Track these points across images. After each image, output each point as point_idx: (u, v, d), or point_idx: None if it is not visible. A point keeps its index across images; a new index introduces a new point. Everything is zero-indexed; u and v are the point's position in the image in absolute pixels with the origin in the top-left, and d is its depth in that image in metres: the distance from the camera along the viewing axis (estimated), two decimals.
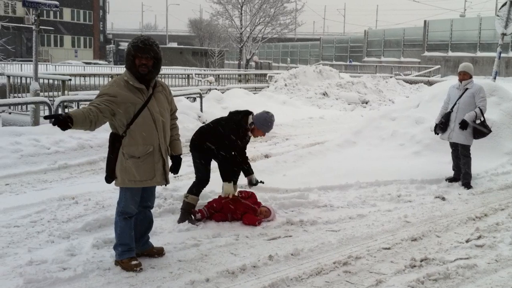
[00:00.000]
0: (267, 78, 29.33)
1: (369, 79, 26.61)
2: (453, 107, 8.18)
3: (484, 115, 8.05)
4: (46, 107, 12.21)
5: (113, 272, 4.64)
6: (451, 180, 8.25)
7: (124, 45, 63.08)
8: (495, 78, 13.91)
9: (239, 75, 31.16)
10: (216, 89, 20.13)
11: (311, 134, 13.67)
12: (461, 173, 8.12)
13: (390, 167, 8.82)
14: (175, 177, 7.35)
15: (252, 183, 6.74)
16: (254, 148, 11.34)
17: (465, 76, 8.15)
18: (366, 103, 21.41)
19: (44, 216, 6.08)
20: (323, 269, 4.87)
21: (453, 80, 8.52)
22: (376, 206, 6.98)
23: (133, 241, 4.83)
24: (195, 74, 26.87)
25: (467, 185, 8.00)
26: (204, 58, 52.42)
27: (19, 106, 14.27)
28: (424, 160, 9.27)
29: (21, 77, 15.71)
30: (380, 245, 5.55)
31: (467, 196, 7.59)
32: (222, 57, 52.54)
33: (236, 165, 6.48)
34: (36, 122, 12.45)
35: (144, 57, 4.51)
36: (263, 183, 6.88)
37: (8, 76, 16.21)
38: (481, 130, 8.00)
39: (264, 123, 6.19)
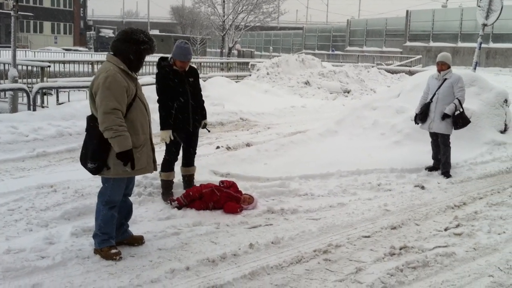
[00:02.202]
0: (249, 66, 29.22)
1: (351, 68, 26.66)
2: (432, 97, 8.22)
3: (463, 105, 8.12)
4: (25, 94, 12.04)
5: (92, 261, 4.60)
6: (430, 169, 8.32)
7: (105, 32, 62.14)
8: (475, 68, 14.02)
9: (221, 63, 30.99)
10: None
11: (293, 123, 13.67)
12: (441, 163, 8.19)
13: (370, 156, 8.86)
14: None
15: (200, 126, 6.74)
16: (235, 136, 11.33)
17: (443, 67, 8.19)
18: (348, 92, 21.47)
19: (22, 204, 5.99)
20: (303, 257, 4.89)
21: (434, 70, 8.56)
22: (357, 194, 7.02)
23: (114, 230, 4.79)
24: None
25: (446, 174, 8.08)
26: (192, 54, 51.95)
27: None
28: (404, 149, 9.33)
29: None
30: (360, 233, 5.58)
31: (446, 185, 7.66)
32: (204, 45, 52.24)
33: (183, 111, 6.38)
34: (14, 109, 12.28)
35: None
36: (209, 131, 7.24)
37: None
38: (460, 120, 8.07)
39: (176, 49, 6.30)
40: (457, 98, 8.01)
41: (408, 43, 48.76)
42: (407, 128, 9.92)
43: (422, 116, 8.30)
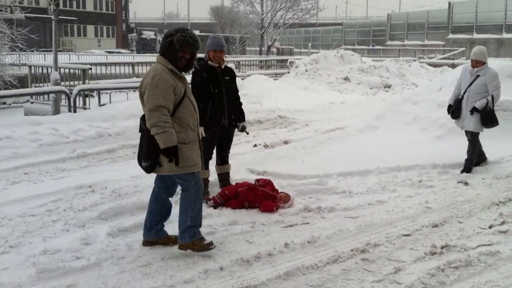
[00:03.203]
0: (288, 64, 29.08)
1: (392, 63, 26.14)
2: (463, 94, 7.83)
3: (495, 103, 7.66)
4: (66, 96, 12.28)
5: (127, 261, 4.60)
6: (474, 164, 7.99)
7: (146, 34, 63.00)
8: None
9: (260, 61, 30.97)
10: (236, 76, 20.02)
11: (332, 119, 13.49)
12: (466, 158, 7.80)
13: (411, 151, 8.62)
14: None
15: (238, 129, 6.72)
16: (273, 134, 11.25)
17: (477, 64, 7.70)
18: (389, 87, 21.07)
19: (60, 205, 6.07)
20: (340, 257, 4.77)
21: None
22: (397, 191, 6.82)
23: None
24: None
25: (467, 170, 7.68)
26: (226, 45, 52.22)
27: (41, 96, 14.36)
28: (447, 144, 9.03)
29: (42, 67, 15.80)
30: (399, 231, 5.41)
31: (491, 180, 7.38)
32: (244, 43, 52.35)
33: (218, 107, 6.35)
34: (56, 111, 12.54)
35: (189, 52, 4.62)
36: (247, 133, 7.21)
37: (30, 66, 16.33)
38: (488, 119, 7.59)
39: (209, 40, 6.41)
40: (491, 95, 7.59)
41: (451, 36, 47.56)
42: (450, 122, 9.52)
43: (455, 110, 7.93)
